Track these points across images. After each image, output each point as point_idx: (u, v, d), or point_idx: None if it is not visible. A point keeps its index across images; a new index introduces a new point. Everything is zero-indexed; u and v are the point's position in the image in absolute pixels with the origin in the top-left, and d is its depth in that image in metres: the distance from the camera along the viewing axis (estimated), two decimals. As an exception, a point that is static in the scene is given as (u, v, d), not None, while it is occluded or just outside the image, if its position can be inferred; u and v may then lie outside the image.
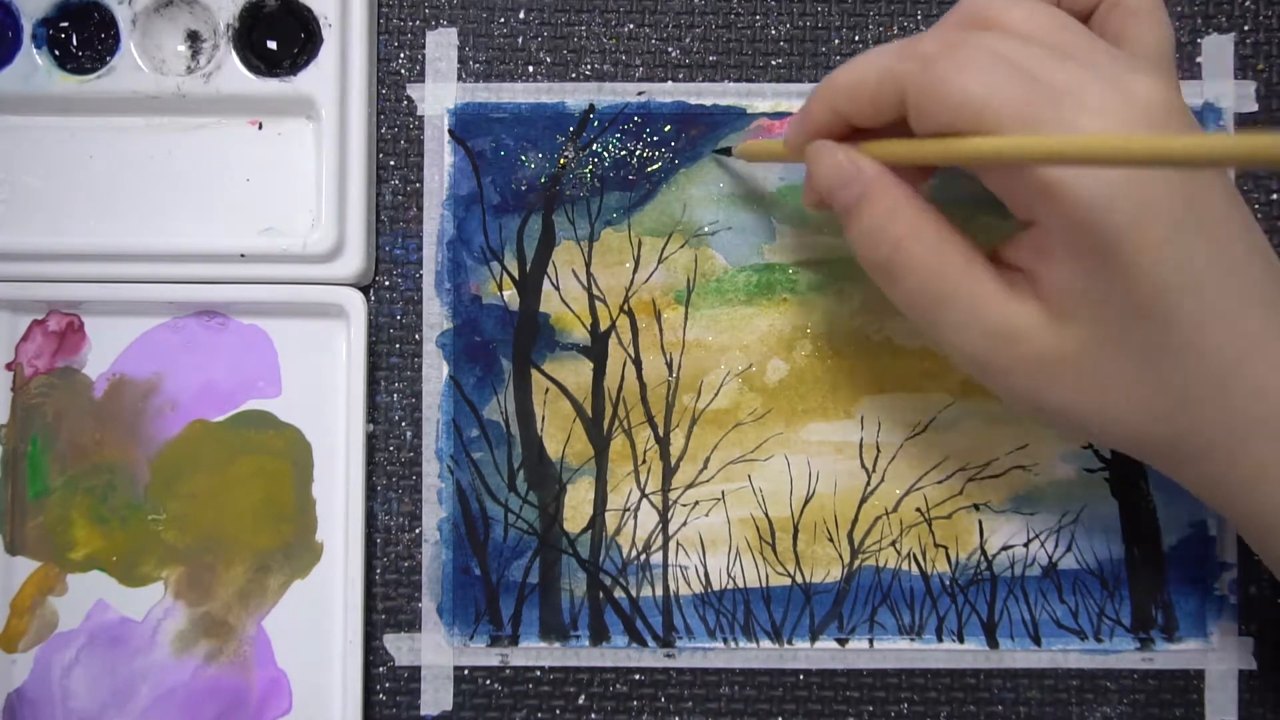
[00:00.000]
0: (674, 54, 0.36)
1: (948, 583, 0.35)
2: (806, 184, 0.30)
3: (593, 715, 0.35)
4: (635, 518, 0.35)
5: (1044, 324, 0.27)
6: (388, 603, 0.35)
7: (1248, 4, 0.36)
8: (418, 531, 0.35)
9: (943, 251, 0.27)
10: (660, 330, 0.35)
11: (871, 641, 0.35)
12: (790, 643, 0.35)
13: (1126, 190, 0.25)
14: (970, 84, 0.25)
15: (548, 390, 0.35)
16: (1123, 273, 0.26)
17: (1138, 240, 0.25)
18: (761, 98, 0.35)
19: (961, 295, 0.27)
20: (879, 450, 0.35)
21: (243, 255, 0.35)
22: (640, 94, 0.36)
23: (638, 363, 0.35)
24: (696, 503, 0.35)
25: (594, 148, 0.35)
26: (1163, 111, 0.25)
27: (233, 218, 0.35)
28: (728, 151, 0.35)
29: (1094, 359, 0.27)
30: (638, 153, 0.35)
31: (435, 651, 0.35)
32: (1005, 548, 0.35)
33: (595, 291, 0.35)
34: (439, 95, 0.36)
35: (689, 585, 0.35)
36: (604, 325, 0.35)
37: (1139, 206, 0.25)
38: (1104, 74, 0.26)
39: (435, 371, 0.35)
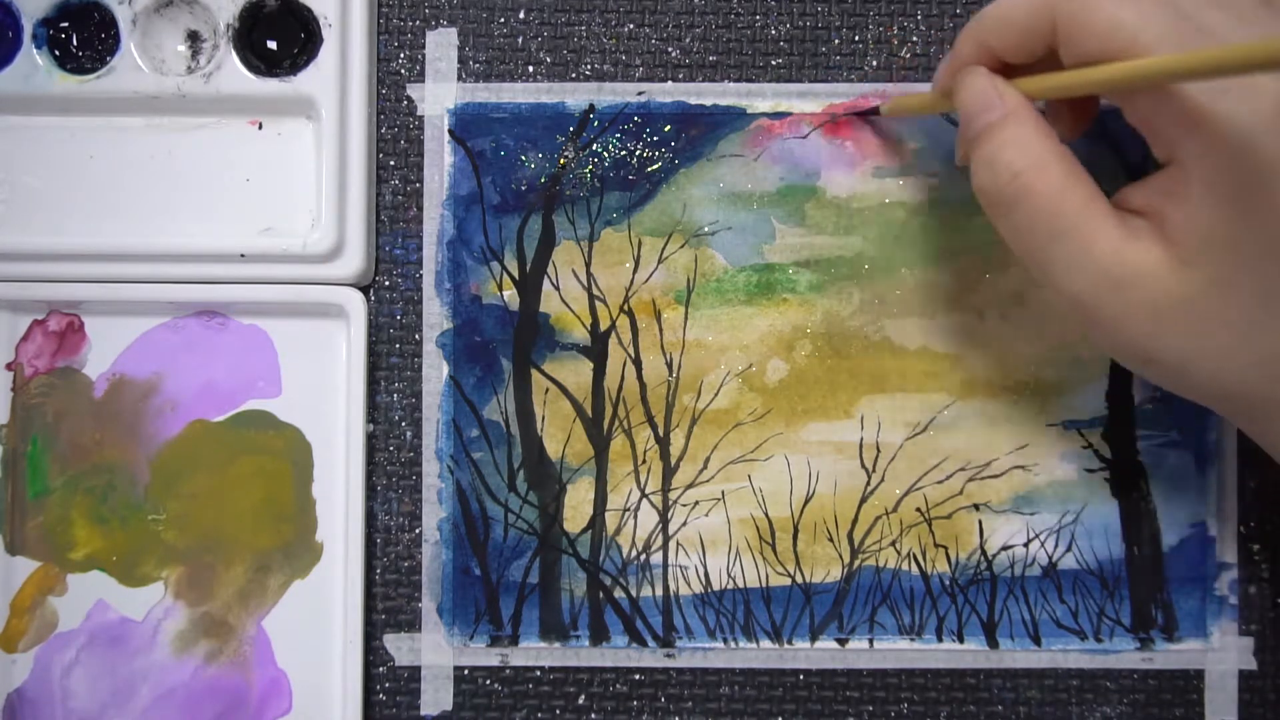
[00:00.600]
0: (674, 54, 0.36)
1: (948, 583, 0.35)
2: (959, 138, 0.30)
3: (593, 715, 0.35)
4: (635, 518, 0.35)
5: (1164, 267, 0.26)
6: (388, 603, 0.35)
7: (1248, 4, 0.35)
8: (418, 531, 0.35)
9: (1066, 187, 0.27)
10: (660, 330, 0.35)
11: (871, 641, 0.35)
12: (790, 643, 0.35)
13: (1277, 125, 0.25)
14: (1121, 12, 0.25)
15: (548, 390, 0.35)
16: (1261, 210, 0.25)
17: (1277, 183, 0.25)
18: (761, 98, 0.35)
19: (1078, 233, 0.27)
20: (879, 450, 0.35)
21: (243, 255, 0.35)
22: (640, 94, 0.36)
23: (638, 363, 0.35)
24: (696, 503, 0.35)
25: (594, 148, 0.35)
26: None
27: (233, 218, 0.35)
28: (875, 111, 0.34)
29: (1212, 304, 0.26)
30: (638, 153, 0.35)
31: (435, 651, 0.35)
32: (1005, 548, 0.35)
33: (595, 291, 0.35)
34: (439, 95, 0.36)
35: (689, 585, 0.35)
36: (604, 325, 0.35)
37: None
38: (1252, 22, 0.26)
39: (435, 371, 0.35)
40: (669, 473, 0.35)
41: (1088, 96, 0.30)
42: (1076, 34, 0.26)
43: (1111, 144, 0.35)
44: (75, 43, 0.35)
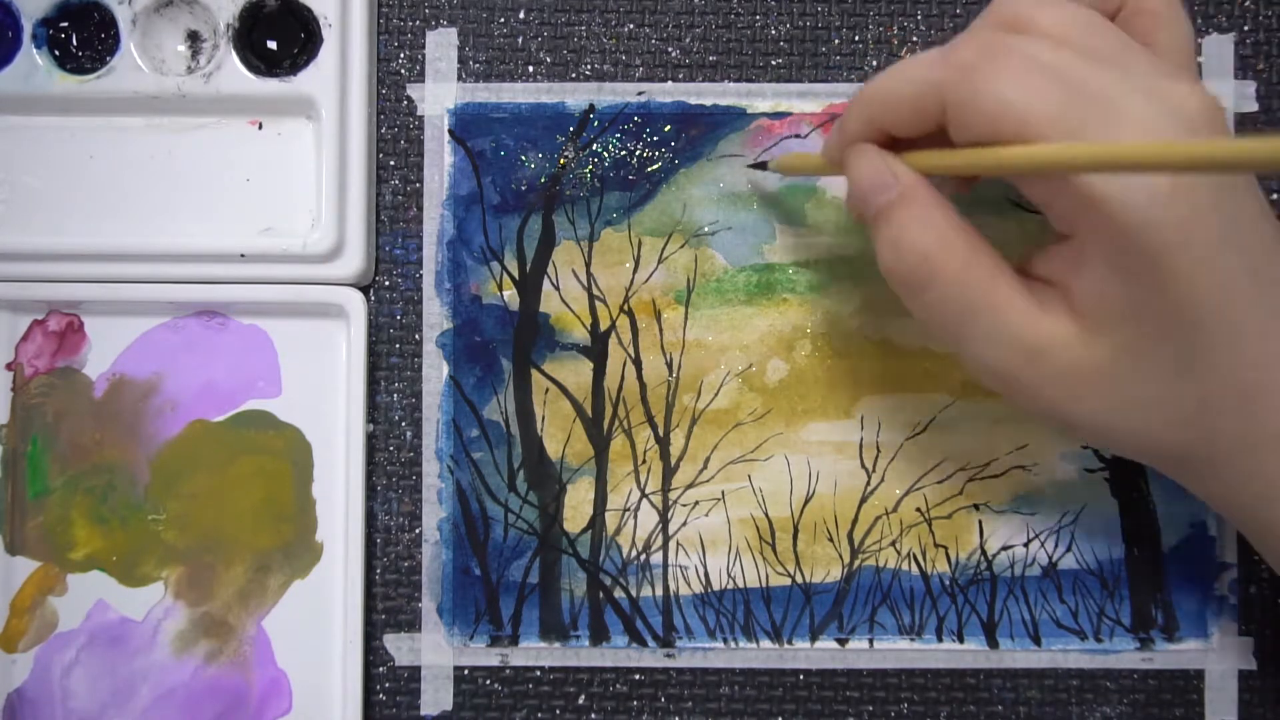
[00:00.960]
0: (674, 54, 0.36)
1: (948, 583, 0.35)
2: (848, 195, 0.30)
3: (593, 715, 0.35)
4: (635, 518, 0.35)
5: (1074, 337, 0.27)
6: (388, 603, 0.35)
7: (1248, 4, 0.36)
8: (418, 531, 0.35)
9: (972, 264, 0.27)
10: (660, 330, 0.35)
11: (871, 641, 0.35)
12: (790, 643, 0.35)
13: (1170, 205, 0.25)
14: (1008, 92, 0.25)
15: (548, 390, 0.35)
16: (1161, 286, 0.25)
17: (1179, 255, 0.25)
18: (761, 98, 0.35)
19: (989, 308, 0.27)
20: (879, 450, 0.35)
21: (243, 255, 0.35)
22: (640, 94, 0.36)
23: (638, 363, 0.35)
24: (696, 503, 0.35)
25: (594, 148, 0.35)
26: (1203, 119, 0.25)
27: (233, 218, 0.35)
28: (763, 166, 0.35)
29: (1123, 370, 0.26)
30: (638, 153, 0.35)
31: (435, 651, 0.35)
32: (1005, 548, 0.35)
33: (595, 291, 0.35)
34: (439, 95, 0.36)
35: (689, 585, 0.35)
36: (604, 325, 0.35)
37: (1182, 221, 0.25)
38: (1141, 81, 0.26)
39: (435, 371, 0.35)
40: (669, 473, 0.35)
41: None
42: (965, 115, 0.26)
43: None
44: (75, 43, 0.35)
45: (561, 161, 0.35)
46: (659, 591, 0.35)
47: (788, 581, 0.35)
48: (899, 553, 0.35)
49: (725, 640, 0.35)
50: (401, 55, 0.36)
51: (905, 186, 0.28)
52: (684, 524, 0.35)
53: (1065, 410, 0.28)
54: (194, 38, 0.35)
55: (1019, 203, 0.35)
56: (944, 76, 0.26)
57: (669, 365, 0.35)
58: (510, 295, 0.35)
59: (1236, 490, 0.28)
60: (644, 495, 0.35)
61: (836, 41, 0.36)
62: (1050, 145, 0.25)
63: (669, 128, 0.35)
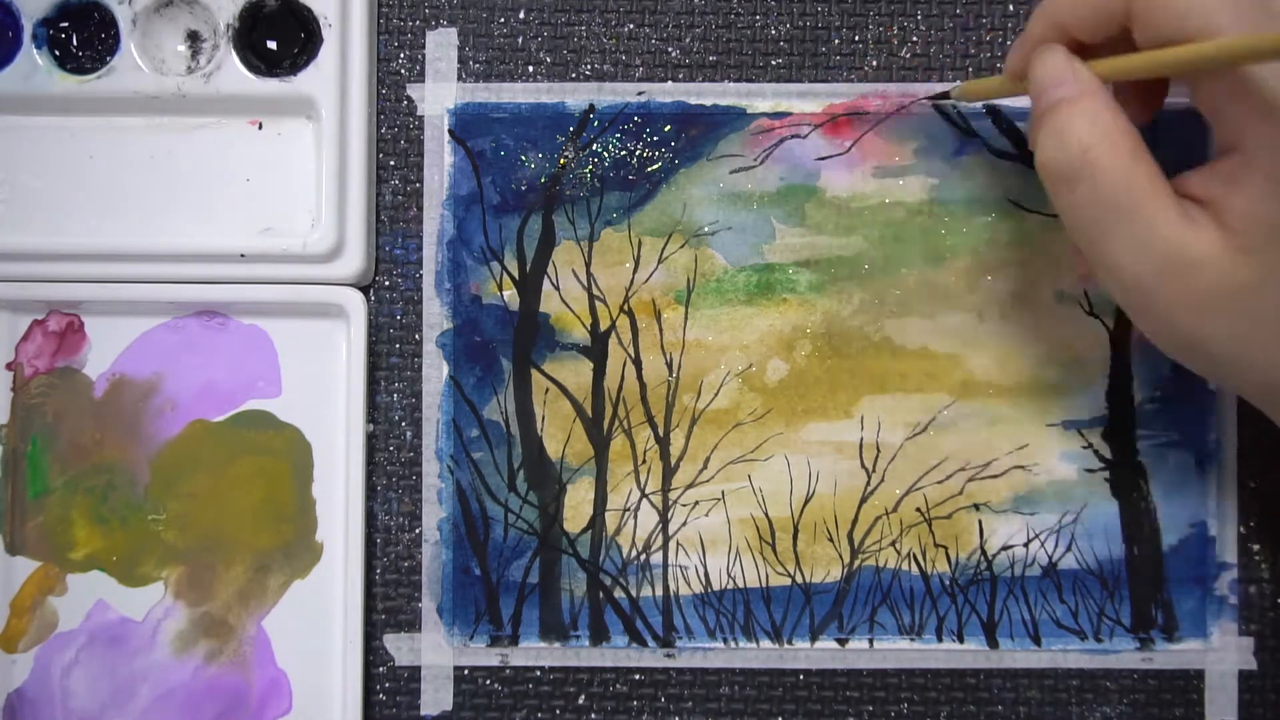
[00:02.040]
0: (674, 54, 0.36)
1: (948, 583, 0.35)
2: (1031, 117, 0.30)
3: (593, 715, 0.35)
4: (635, 518, 0.35)
5: (1223, 254, 0.26)
6: (388, 603, 0.35)
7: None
8: (418, 531, 0.35)
9: (1133, 165, 0.27)
10: (660, 330, 0.35)
11: (871, 641, 0.35)
12: (790, 643, 0.35)
13: None
14: None
15: (548, 390, 0.35)
16: None
17: None
18: (761, 98, 0.35)
19: (1141, 212, 0.27)
20: (879, 450, 0.35)
21: (243, 255, 0.35)
22: (640, 94, 0.36)
23: (638, 363, 0.35)
24: (696, 503, 0.35)
25: (594, 148, 0.35)
26: None
27: (233, 218, 0.35)
28: (945, 96, 0.34)
29: (1269, 294, 0.26)
30: (638, 153, 0.35)
31: (435, 651, 0.35)
32: (1005, 548, 0.35)
33: (595, 291, 0.35)
34: (439, 95, 0.36)
35: (689, 585, 0.35)
36: (604, 325, 0.35)
37: None
38: None
39: (435, 371, 0.35)
40: (669, 473, 0.35)
41: (1157, 80, 0.30)
42: (1151, 14, 0.26)
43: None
44: (75, 43, 0.35)
45: (561, 161, 0.35)
46: (659, 591, 0.35)
47: (788, 581, 0.35)
48: (899, 553, 0.35)
49: (725, 640, 0.35)
50: (401, 55, 0.36)
51: (1083, 84, 0.27)
52: (684, 524, 0.35)
53: (1198, 332, 0.27)
54: (194, 38, 0.35)
55: (1018, 202, 0.35)
56: None
57: (669, 365, 0.35)
58: (510, 295, 0.35)
59: None
60: (644, 495, 0.35)
61: (836, 41, 0.36)
62: (1232, 38, 0.25)
63: (669, 128, 0.35)
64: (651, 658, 0.35)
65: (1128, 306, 0.28)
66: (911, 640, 0.35)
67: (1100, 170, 0.27)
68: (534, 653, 0.35)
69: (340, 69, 0.34)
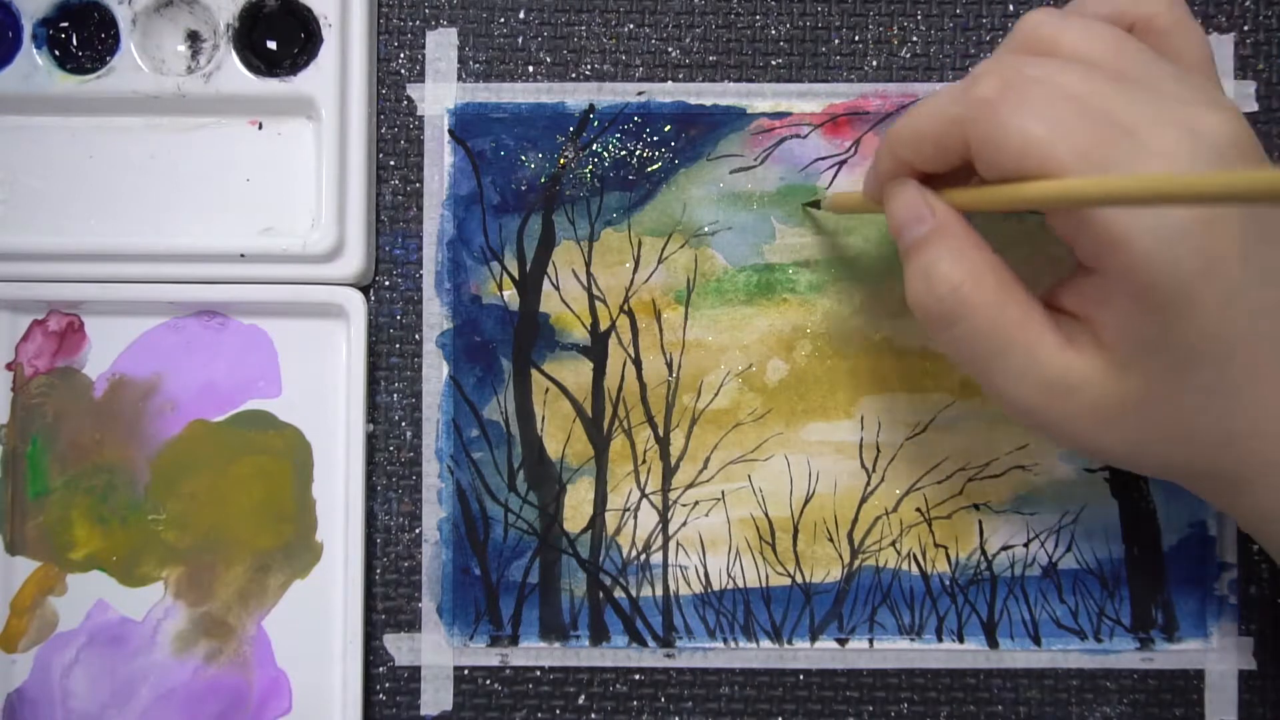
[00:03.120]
0: (674, 54, 0.36)
1: (948, 583, 0.35)
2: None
3: (593, 715, 0.35)
4: (635, 518, 0.35)
5: (1103, 371, 0.27)
6: (388, 603, 0.35)
7: (1248, 4, 0.36)
8: (418, 531, 0.35)
9: (1003, 300, 0.27)
10: (660, 330, 0.35)
11: (871, 641, 0.35)
12: (790, 643, 0.35)
13: (1192, 243, 0.25)
14: (1032, 127, 0.25)
15: (548, 390, 0.35)
16: (1186, 319, 0.25)
17: (1201, 293, 0.25)
18: (761, 98, 0.35)
19: (1019, 344, 0.27)
20: (879, 450, 0.35)
21: (243, 255, 0.35)
22: (640, 94, 0.36)
23: (638, 363, 0.35)
24: (696, 503, 0.35)
25: (594, 148, 0.35)
26: (1235, 150, 0.25)
27: (233, 218, 0.35)
28: (816, 205, 0.35)
29: (1153, 402, 0.27)
30: (638, 153, 0.35)
31: (435, 651, 0.35)
32: (1005, 548, 0.35)
33: (595, 291, 0.35)
34: (439, 95, 0.36)
35: (689, 585, 0.35)
36: (604, 325, 0.35)
37: (1205, 260, 0.25)
38: (1170, 109, 0.25)
39: (435, 371, 0.35)
40: (669, 473, 0.35)
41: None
42: (989, 152, 0.26)
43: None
44: (75, 43, 0.35)
45: (561, 161, 0.35)
46: (659, 591, 0.35)
47: (788, 581, 0.35)
48: (899, 553, 0.35)
49: (725, 640, 0.35)
50: (401, 55, 0.36)
51: (939, 220, 0.28)
52: (684, 524, 0.35)
53: (1095, 442, 0.28)
54: (194, 38, 0.35)
55: None
56: (966, 113, 0.26)
57: (669, 365, 0.35)
58: (510, 295, 0.35)
59: (1266, 507, 0.28)
60: (644, 495, 0.35)
61: (836, 41, 0.36)
62: (1072, 180, 0.24)
63: (669, 128, 0.35)
64: (651, 658, 0.35)
65: (1028, 424, 0.29)
66: (911, 640, 0.35)
67: (972, 309, 0.27)
68: (534, 653, 0.35)
69: (340, 69, 0.34)
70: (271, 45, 0.35)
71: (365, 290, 0.35)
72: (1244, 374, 0.26)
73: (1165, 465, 0.28)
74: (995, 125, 0.26)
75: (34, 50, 0.34)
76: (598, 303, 0.35)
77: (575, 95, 0.36)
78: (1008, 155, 0.25)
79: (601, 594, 0.35)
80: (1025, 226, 0.35)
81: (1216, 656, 0.35)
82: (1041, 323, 0.27)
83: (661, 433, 0.35)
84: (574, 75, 0.36)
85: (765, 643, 0.35)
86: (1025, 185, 0.25)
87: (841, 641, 0.35)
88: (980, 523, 0.35)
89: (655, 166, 0.35)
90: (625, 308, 0.35)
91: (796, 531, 0.35)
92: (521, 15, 0.36)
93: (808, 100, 0.35)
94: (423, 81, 0.36)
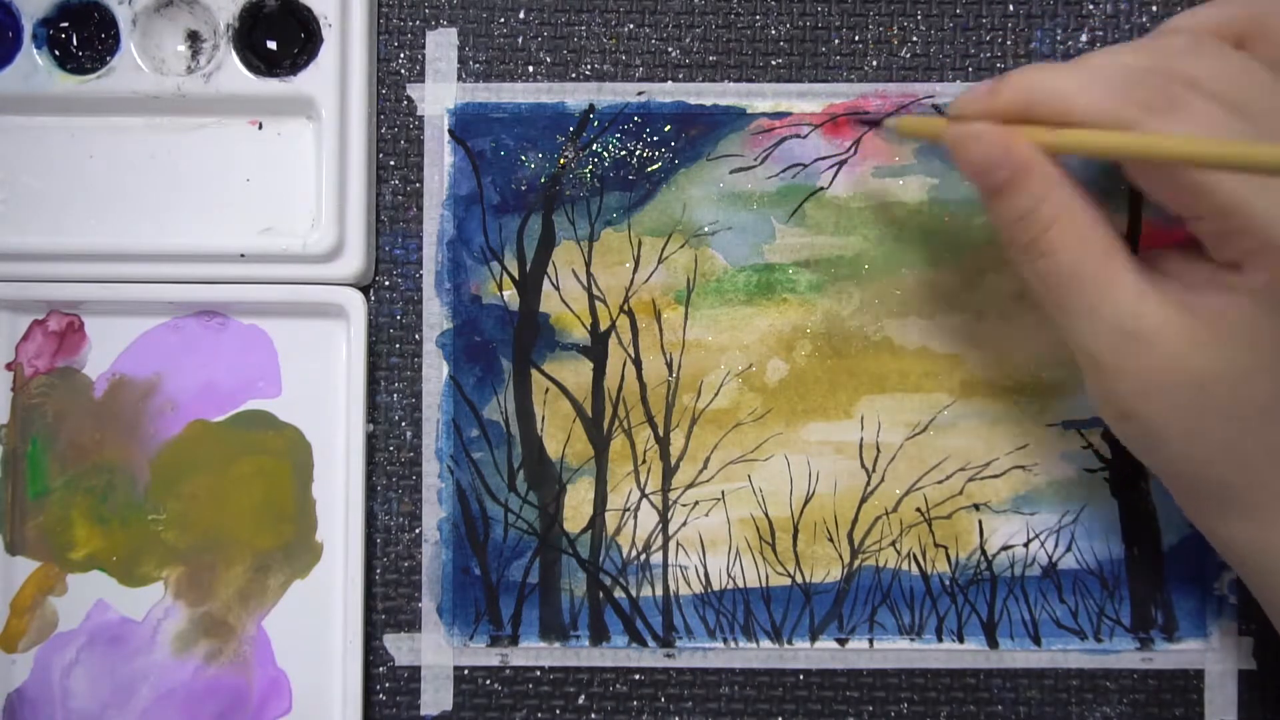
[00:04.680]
0: (674, 54, 0.36)
1: (948, 583, 0.35)
2: (968, 165, 0.30)
3: (593, 715, 0.35)
4: (635, 518, 0.35)
5: (1178, 336, 0.27)
6: (388, 603, 0.35)
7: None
8: (418, 531, 0.35)
9: (1091, 238, 0.27)
10: (660, 330, 0.35)
11: (871, 641, 0.35)
12: (790, 643, 0.35)
13: None
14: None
15: (548, 390, 0.35)
16: None
17: None
18: (761, 98, 0.35)
19: (1097, 283, 0.27)
20: (879, 450, 0.35)
21: (243, 255, 0.35)
22: (640, 94, 0.36)
23: (638, 363, 0.35)
24: (696, 503, 0.35)
25: (594, 148, 0.35)
26: None
27: (233, 218, 0.35)
28: (877, 124, 0.34)
29: (1215, 388, 0.27)
30: (638, 153, 0.35)
31: (435, 651, 0.35)
32: (1005, 548, 0.35)
33: (595, 291, 0.35)
34: (439, 95, 0.36)
35: (689, 585, 0.35)
36: (604, 325, 0.35)
37: None
38: None
39: (435, 371, 0.35)
40: (669, 473, 0.35)
41: None
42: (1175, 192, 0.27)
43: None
44: (75, 43, 0.35)
45: (561, 161, 0.35)
46: (659, 591, 0.35)
47: (788, 581, 0.35)
48: (899, 553, 0.35)
49: (725, 640, 0.35)
50: (401, 55, 0.36)
51: (1030, 159, 0.28)
52: (684, 524, 0.35)
53: (1133, 406, 0.28)
54: (194, 38, 0.35)
55: None
56: (1126, 114, 0.26)
57: (669, 365, 0.35)
58: (510, 295, 0.35)
59: (1262, 537, 0.28)
60: (644, 495, 0.35)
61: (836, 41, 0.36)
62: (1160, 135, 0.25)
63: (669, 128, 0.35)
64: (651, 658, 0.35)
65: (1085, 374, 0.29)
66: (911, 640, 0.35)
67: (1060, 246, 0.27)
68: (534, 653, 0.35)
69: (340, 69, 0.34)
70: (271, 45, 0.35)
71: (365, 290, 0.35)
72: None
73: (1185, 458, 0.28)
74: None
75: (34, 50, 0.34)
76: (598, 303, 0.35)
77: (575, 95, 0.36)
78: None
79: (601, 594, 0.35)
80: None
81: (1216, 656, 0.35)
82: (1124, 267, 0.27)
83: (661, 433, 0.35)
84: (574, 75, 0.36)
85: (765, 643, 0.35)
86: (1135, 137, 0.26)
87: (841, 641, 0.35)
88: (980, 523, 0.35)
89: (655, 166, 0.35)
90: (625, 308, 0.35)
91: (796, 531, 0.35)
92: (521, 15, 0.36)
93: (808, 100, 0.35)
94: (423, 81, 0.36)
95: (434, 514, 0.35)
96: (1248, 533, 0.29)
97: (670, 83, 0.36)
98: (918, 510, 0.35)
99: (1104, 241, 0.27)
